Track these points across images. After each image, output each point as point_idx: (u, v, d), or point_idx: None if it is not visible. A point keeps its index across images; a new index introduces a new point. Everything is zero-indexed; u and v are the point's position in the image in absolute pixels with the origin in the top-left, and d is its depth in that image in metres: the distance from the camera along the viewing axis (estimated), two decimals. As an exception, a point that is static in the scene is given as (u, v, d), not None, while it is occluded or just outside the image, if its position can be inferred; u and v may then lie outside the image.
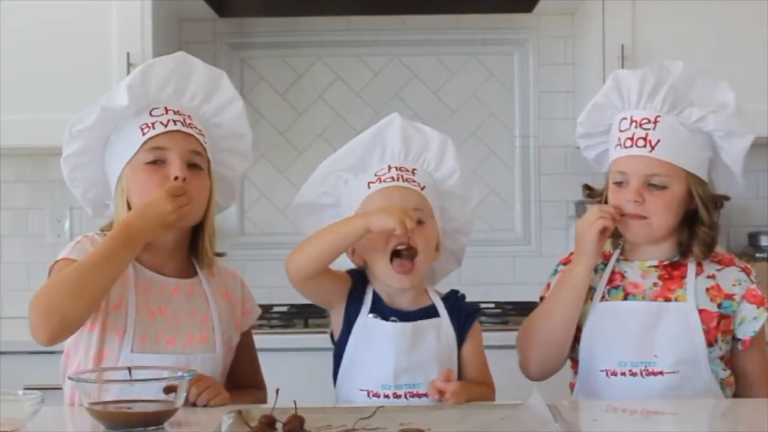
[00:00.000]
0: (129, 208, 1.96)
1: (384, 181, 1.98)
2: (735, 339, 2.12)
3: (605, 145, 2.19)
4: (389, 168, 1.99)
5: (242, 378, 2.07)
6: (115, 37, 3.14)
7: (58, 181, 3.47)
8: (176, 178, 1.93)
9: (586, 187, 2.24)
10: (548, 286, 2.21)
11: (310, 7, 3.44)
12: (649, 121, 2.08)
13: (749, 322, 2.09)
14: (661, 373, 2.03)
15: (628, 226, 2.09)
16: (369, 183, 1.99)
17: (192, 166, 1.97)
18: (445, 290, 2.09)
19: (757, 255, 3.38)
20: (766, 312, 2.09)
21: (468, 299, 2.09)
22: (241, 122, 2.08)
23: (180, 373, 1.77)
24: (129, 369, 1.81)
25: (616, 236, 2.16)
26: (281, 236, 3.53)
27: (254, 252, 3.50)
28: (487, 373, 2.06)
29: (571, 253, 2.17)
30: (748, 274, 2.13)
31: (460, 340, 2.01)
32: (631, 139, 2.07)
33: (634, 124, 2.08)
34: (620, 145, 2.09)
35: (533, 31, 3.57)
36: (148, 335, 1.94)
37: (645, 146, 2.06)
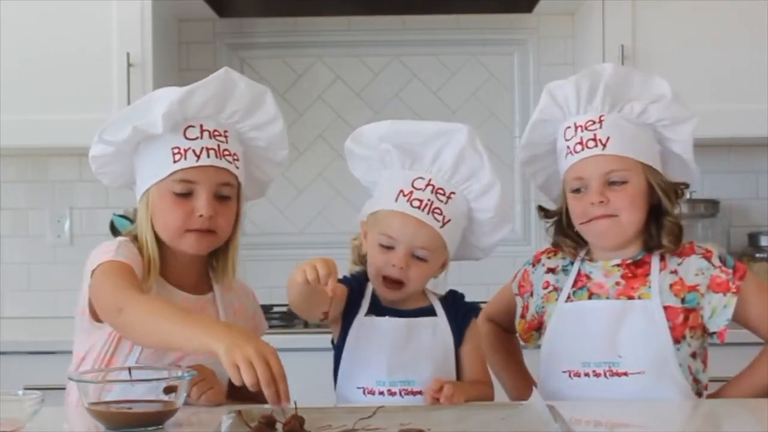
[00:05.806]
0: (152, 226, 1.96)
1: (411, 202, 1.95)
2: (709, 334, 2.05)
3: (553, 167, 2.16)
4: (426, 185, 1.96)
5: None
6: (115, 37, 3.14)
7: (58, 181, 3.53)
8: (201, 215, 1.93)
9: (540, 208, 2.19)
10: (514, 277, 2.19)
11: (310, 7, 3.44)
12: (594, 122, 2.04)
13: (720, 312, 2.03)
14: (625, 374, 1.98)
15: (596, 230, 2.05)
16: (400, 192, 1.96)
17: (220, 197, 1.97)
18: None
19: (757, 255, 3.39)
20: (734, 296, 2.03)
21: (468, 299, 2.09)
22: (280, 140, 2.07)
23: (180, 373, 1.77)
24: (129, 369, 1.82)
25: (576, 241, 2.12)
26: (281, 236, 3.54)
27: (254, 252, 3.50)
28: (486, 372, 2.06)
29: (547, 248, 2.18)
30: (709, 259, 2.06)
31: (459, 339, 2.01)
32: (581, 143, 2.04)
33: (579, 129, 2.05)
34: (570, 152, 2.05)
35: (533, 31, 3.57)
36: (158, 350, 1.92)
37: (596, 146, 2.02)
